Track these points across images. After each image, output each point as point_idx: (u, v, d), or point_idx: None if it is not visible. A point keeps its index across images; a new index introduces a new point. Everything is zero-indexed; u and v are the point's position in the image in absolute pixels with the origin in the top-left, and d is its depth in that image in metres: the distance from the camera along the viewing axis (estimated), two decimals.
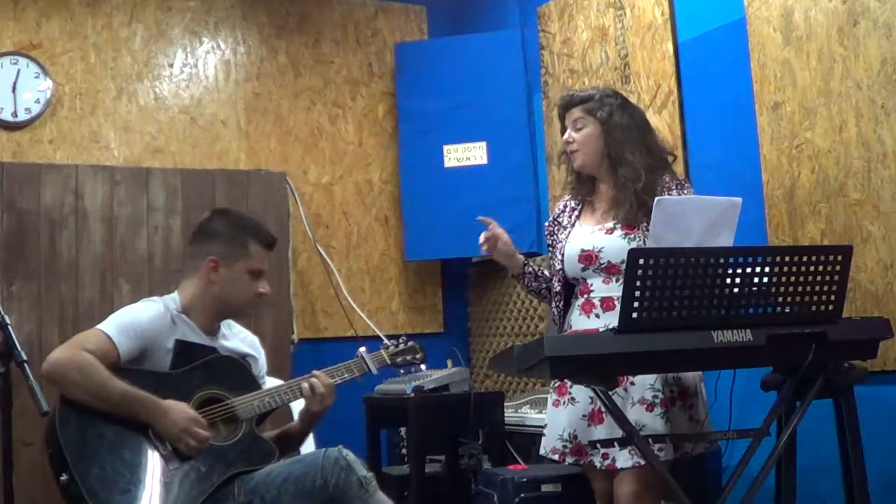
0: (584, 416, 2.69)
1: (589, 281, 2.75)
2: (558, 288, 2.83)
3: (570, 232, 2.84)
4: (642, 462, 2.50)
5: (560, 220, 2.94)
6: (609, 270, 2.71)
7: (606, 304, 2.70)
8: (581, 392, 2.69)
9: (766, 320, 2.15)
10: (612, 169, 2.79)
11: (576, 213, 2.90)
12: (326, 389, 2.71)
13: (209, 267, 2.71)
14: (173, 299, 2.73)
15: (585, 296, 2.76)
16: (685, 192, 2.73)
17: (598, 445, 2.51)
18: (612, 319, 2.44)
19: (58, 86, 4.43)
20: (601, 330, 2.60)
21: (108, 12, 4.59)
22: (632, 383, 2.62)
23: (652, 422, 2.58)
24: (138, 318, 2.62)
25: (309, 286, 4.81)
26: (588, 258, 2.74)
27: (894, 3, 2.79)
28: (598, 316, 2.70)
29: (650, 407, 2.59)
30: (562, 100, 2.92)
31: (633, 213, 2.69)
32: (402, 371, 3.07)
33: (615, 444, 2.54)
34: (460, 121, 4.74)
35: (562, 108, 2.89)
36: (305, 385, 2.71)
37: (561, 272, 2.82)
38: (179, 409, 2.50)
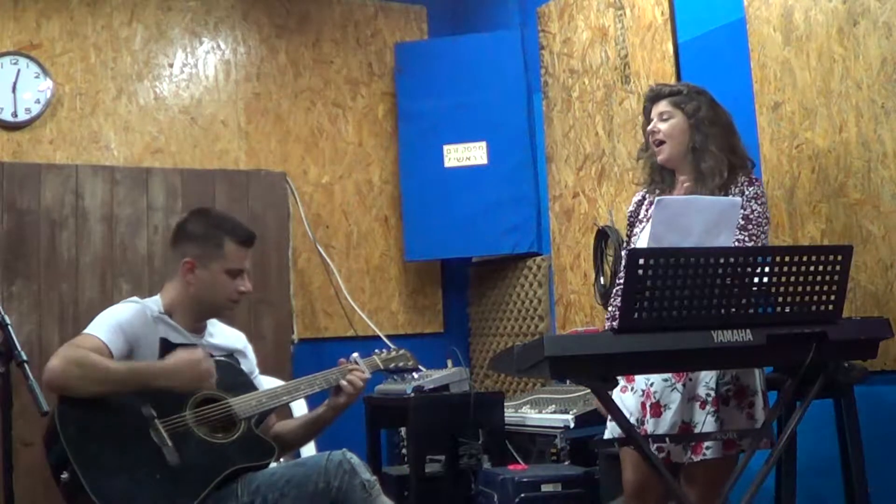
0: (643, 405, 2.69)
1: None
2: None
3: (644, 227, 2.81)
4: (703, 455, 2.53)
5: (638, 213, 2.91)
6: None
7: None
8: (641, 381, 2.69)
9: (766, 320, 2.15)
10: (695, 163, 2.76)
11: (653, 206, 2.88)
12: (364, 383, 2.80)
13: (185, 269, 2.72)
14: (155, 301, 2.75)
15: None
16: (757, 189, 2.70)
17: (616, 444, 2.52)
18: None
19: (58, 86, 4.43)
20: None
21: (108, 12, 4.59)
22: (689, 379, 2.60)
23: (703, 419, 2.57)
24: (121, 318, 2.63)
25: (309, 286, 4.81)
26: None
27: (894, 3, 2.79)
28: None
29: (703, 405, 2.58)
30: (650, 92, 2.88)
31: None
32: (395, 377, 3.08)
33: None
34: (460, 121, 4.75)
35: (649, 101, 2.86)
36: (344, 382, 2.76)
37: None
38: (178, 361, 2.55)
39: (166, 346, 2.64)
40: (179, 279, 2.74)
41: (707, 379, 2.59)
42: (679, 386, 2.60)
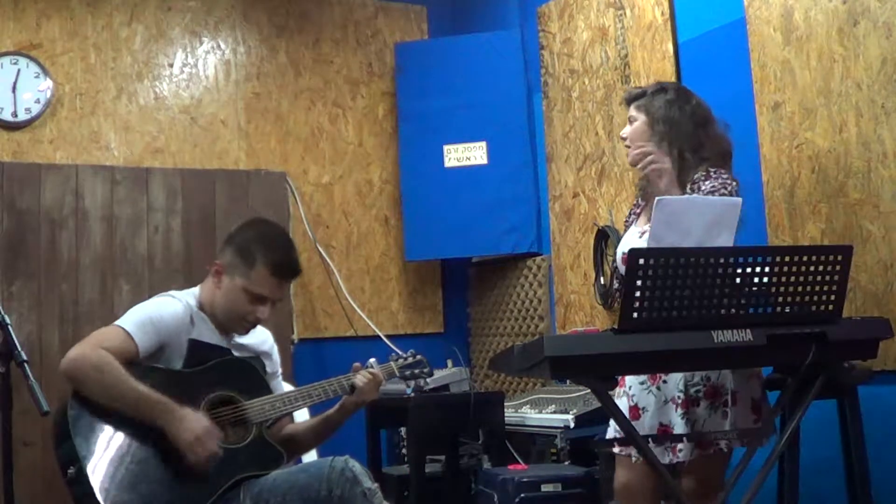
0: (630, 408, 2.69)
1: None
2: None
3: (629, 231, 2.84)
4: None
5: (629, 219, 2.93)
6: None
7: None
8: (629, 384, 2.69)
9: (766, 320, 2.15)
10: None
11: (637, 211, 2.88)
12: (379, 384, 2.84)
13: (214, 269, 2.72)
14: (193, 294, 2.74)
15: None
16: (715, 182, 2.61)
17: (616, 443, 2.52)
18: None
19: (58, 86, 4.43)
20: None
21: (108, 12, 4.59)
22: (664, 381, 2.60)
23: (675, 420, 2.57)
24: (157, 315, 2.61)
25: (309, 286, 4.81)
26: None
27: (894, 3, 2.79)
28: None
29: (676, 406, 2.58)
30: (625, 95, 2.93)
31: None
32: (408, 384, 3.08)
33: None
34: (460, 121, 4.75)
35: (626, 106, 2.90)
36: (363, 379, 2.77)
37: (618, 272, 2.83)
38: (195, 418, 2.48)
39: (195, 347, 2.63)
40: (211, 279, 2.74)
41: (677, 380, 2.58)
42: (654, 389, 2.60)
